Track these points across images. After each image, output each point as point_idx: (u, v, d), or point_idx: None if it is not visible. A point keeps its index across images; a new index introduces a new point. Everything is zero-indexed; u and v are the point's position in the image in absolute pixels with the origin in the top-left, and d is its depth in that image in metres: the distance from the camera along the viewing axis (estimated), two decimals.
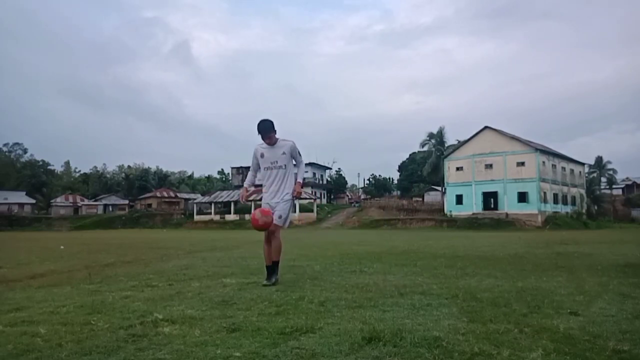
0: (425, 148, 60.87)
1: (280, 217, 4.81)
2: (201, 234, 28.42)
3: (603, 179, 64.36)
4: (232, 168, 67.97)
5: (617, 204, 61.02)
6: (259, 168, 5.04)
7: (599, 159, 63.90)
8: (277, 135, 4.92)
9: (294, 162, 5.02)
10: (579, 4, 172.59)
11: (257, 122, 4.82)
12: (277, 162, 4.90)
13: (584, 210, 50.76)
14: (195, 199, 61.79)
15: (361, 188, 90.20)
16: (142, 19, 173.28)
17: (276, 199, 4.88)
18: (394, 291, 4.24)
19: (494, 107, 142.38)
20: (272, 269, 4.84)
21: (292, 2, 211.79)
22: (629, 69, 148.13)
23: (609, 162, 64.09)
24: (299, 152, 5.00)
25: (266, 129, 4.83)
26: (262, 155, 4.96)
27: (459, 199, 48.31)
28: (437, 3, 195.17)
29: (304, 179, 5.03)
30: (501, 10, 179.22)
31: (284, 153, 4.89)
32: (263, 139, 4.85)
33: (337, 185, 76.69)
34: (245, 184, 5.15)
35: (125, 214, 62.23)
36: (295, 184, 4.97)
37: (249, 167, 5.13)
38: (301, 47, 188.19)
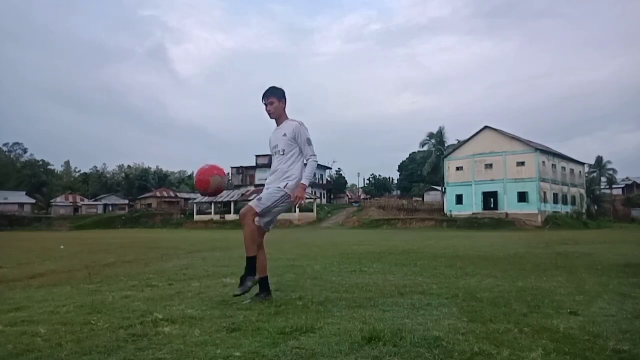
0: (425, 148, 60.92)
1: (259, 199, 3.71)
2: (201, 234, 28.42)
3: (603, 179, 64.33)
4: (232, 168, 67.90)
5: (617, 204, 60.98)
6: None
7: (599, 159, 63.87)
8: (287, 115, 3.96)
9: (303, 153, 3.85)
10: (577, 2, 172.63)
11: None
12: (277, 146, 3.87)
13: (584, 210, 50.74)
14: (195, 199, 61.72)
15: (361, 188, 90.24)
16: (138, 18, 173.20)
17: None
18: (394, 291, 4.24)
19: (494, 107, 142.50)
20: (252, 266, 3.72)
21: (289, 1, 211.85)
22: (628, 68, 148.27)
23: (609, 162, 64.11)
24: (307, 140, 3.81)
25: (268, 91, 3.87)
26: (270, 142, 4.00)
27: (459, 199, 48.29)
28: (434, 3, 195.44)
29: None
30: (498, 10, 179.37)
31: (285, 135, 3.81)
32: (265, 104, 3.91)
33: (337, 185, 76.64)
34: None
35: (125, 214, 62.23)
36: (299, 181, 3.76)
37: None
38: (298, 47, 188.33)
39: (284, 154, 3.81)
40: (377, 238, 18.89)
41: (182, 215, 57.42)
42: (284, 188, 3.73)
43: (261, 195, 3.76)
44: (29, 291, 4.82)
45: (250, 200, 4.02)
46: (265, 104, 3.90)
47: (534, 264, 7.04)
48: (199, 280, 5.21)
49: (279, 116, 3.93)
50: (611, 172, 64.21)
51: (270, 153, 4.03)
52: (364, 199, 70.79)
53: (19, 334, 2.83)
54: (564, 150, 57.94)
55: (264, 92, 3.90)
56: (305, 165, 3.86)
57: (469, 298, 3.89)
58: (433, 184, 63.54)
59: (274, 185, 3.79)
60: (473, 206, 46.68)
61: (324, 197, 69.76)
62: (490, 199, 46.68)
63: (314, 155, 3.84)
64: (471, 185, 47.87)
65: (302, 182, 3.76)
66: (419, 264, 6.94)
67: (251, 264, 3.71)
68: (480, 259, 7.93)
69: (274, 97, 3.87)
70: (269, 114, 3.93)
